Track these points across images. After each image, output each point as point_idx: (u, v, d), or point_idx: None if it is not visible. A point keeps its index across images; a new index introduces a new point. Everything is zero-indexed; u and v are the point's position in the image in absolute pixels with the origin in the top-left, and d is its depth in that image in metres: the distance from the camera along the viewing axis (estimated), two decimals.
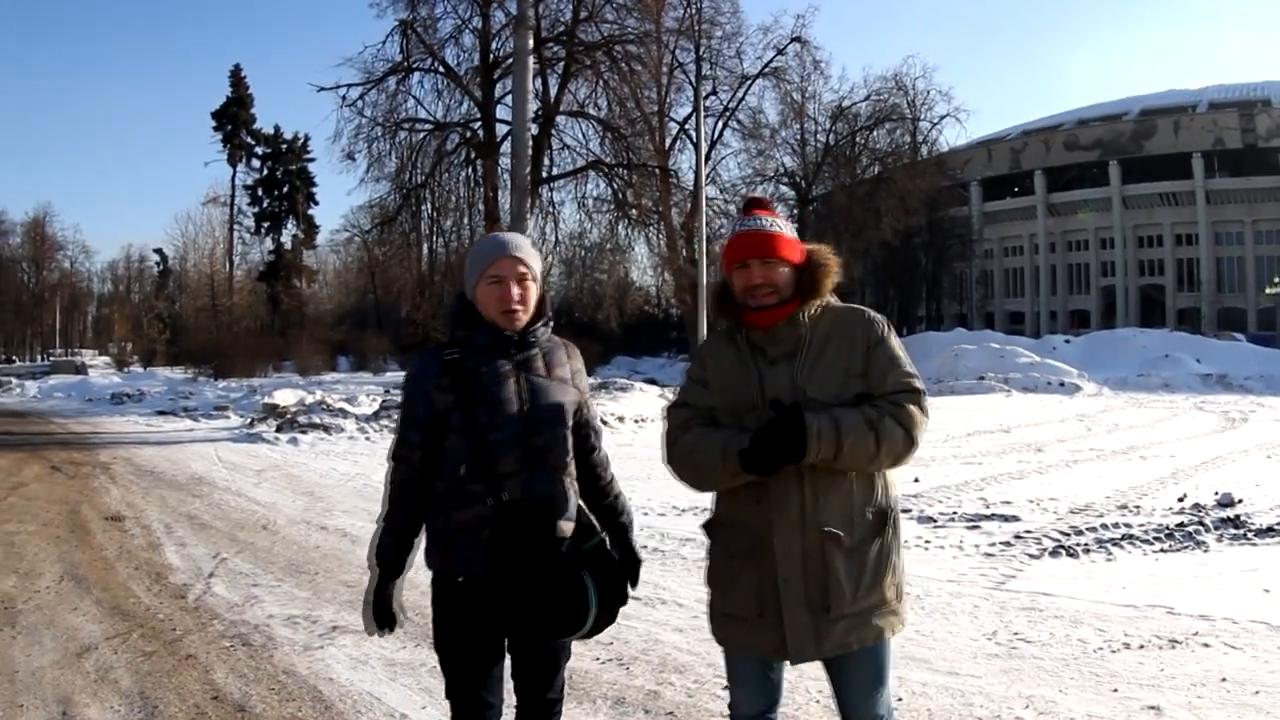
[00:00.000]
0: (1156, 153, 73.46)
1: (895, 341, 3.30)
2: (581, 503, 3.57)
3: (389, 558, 3.43)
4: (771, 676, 3.42)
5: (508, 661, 3.51)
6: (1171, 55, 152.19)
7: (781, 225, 3.33)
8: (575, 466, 3.57)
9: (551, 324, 3.56)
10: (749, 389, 3.26)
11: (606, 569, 3.43)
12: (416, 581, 3.53)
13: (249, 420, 22.74)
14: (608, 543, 3.55)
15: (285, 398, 24.34)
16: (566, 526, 3.43)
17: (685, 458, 3.32)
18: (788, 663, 3.34)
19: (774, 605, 3.19)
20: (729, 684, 3.53)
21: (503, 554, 3.24)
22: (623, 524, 3.72)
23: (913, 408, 3.18)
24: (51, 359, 69.76)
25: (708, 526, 3.47)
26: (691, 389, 3.46)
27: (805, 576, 3.16)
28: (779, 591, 3.18)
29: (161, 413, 26.28)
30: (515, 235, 3.57)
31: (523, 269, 3.40)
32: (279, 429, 20.72)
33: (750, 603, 3.24)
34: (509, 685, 3.54)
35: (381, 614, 3.41)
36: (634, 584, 3.64)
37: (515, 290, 3.37)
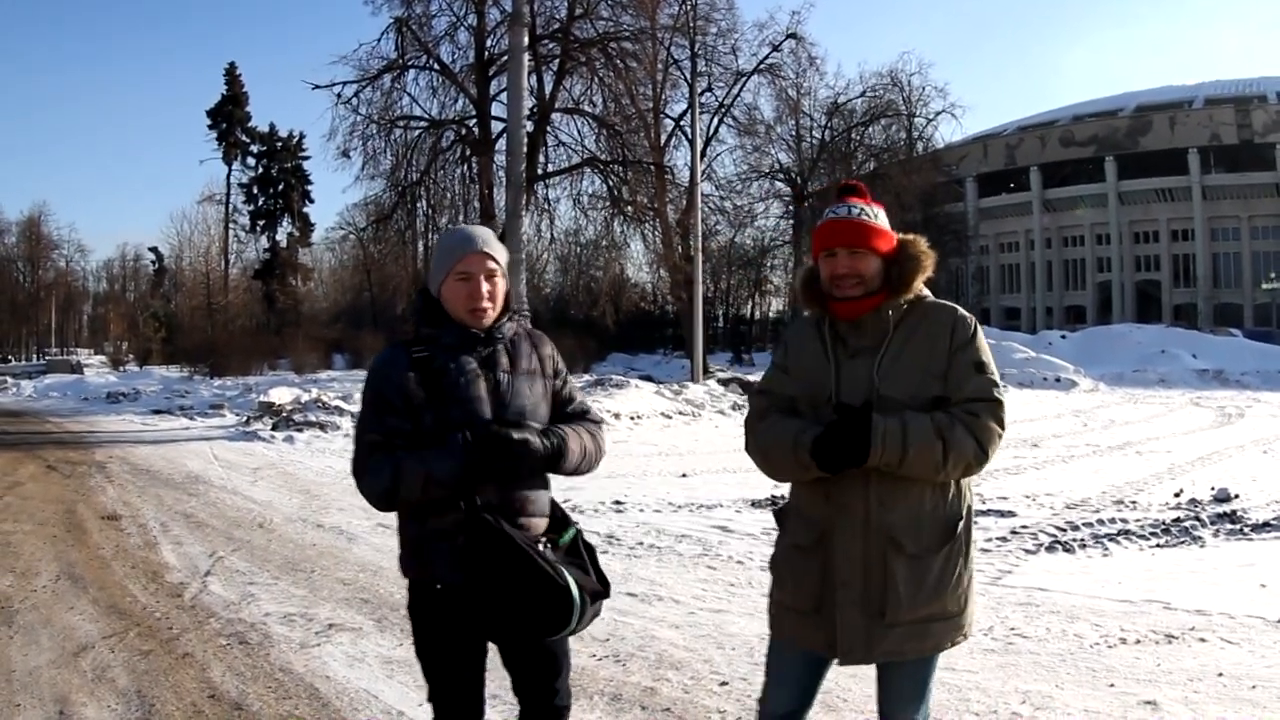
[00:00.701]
0: (1152, 149, 73.96)
1: (982, 345, 3.20)
2: (553, 497, 3.52)
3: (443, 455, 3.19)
4: (812, 678, 3.37)
5: (495, 662, 3.48)
6: (1168, 52, 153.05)
7: (874, 214, 3.25)
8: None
9: (516, 318, 3.49)
10: (826, 380, 3.20)
11: (585, 561, 3.39)
12: (405, 582, 3.49)
13: (245, 419, 22.72)
14: (583, 535, 3.50)
15: (281, 396, 24.31)
16: (541, 524, 3.39)
17: (759, 446, 3.30)
18: (834, 667, 3.34)
19: (830, 603, 3.17)
20: (766, 678, 3.47)
21: (481, 558, 3.17)
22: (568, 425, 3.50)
23: (989, 420, 3.09)
24: (47, 358, 69.77)
25: (779, 514, 3.45)
26: (774, 376, 3.42)
27: (865, 580, 3.12)
28: (835, 591, 3.16)
29: (157, 411, 26.24)
30: (482, 229, 3.47)
31: (492, 264, 3.34)
32: (275, 427, 20.70)
33: (809, 598, 3.23)
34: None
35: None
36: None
37: (485, 287, 3.32)
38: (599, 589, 3.35)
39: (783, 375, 3.36)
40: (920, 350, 3.16)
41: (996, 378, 3.18)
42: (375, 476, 3.23)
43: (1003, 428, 3.12)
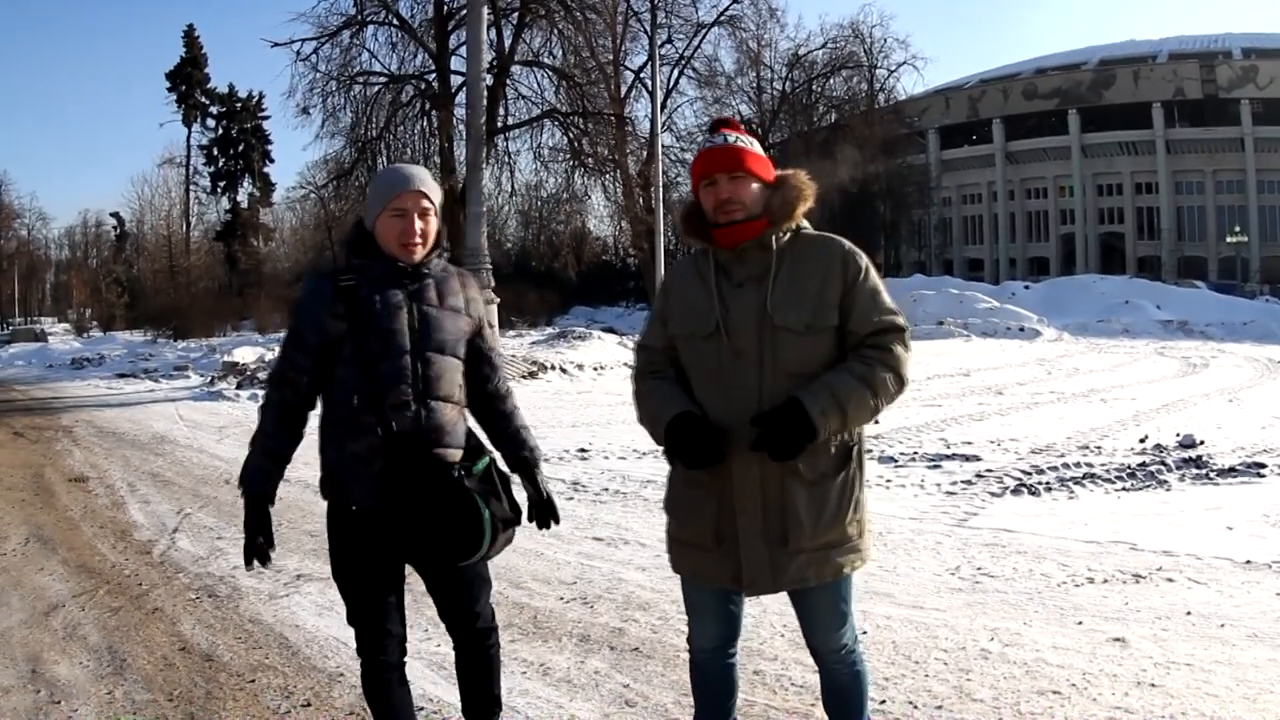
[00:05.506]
0: (1116, 102, 73.90)
1: (876, 276, 3.18)
2: (471, 425, 3.62)
3: (263, 483, 3.51)
4: (731, 608, 3.36)
5: (420, 591, 3.60)
6: (1133, 7, 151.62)
7: (749, 142, 3.22)
8: (472, 396, 3.64)
9: (446, 255, 3.58)
10: (711, 313, 3.15)
11: (498, 489, 3.46)
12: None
13: (209, 379, 22.65)
14: (498, 462, 3.57)
15: (244, 355, 24.28)
16: (456, 454, 3.47)
17: (638, 411, 3.33)
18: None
19: (732, 535, 3.13)
20: (687, 614, 3.47)
21: (396, 483, 3.29)
22: (526, 459, 3.71)
23: (898, 348, 3.09)
24: (11, 327, 68.79)
25: (668, 453, 3.34)
26: (652, 327, 3.42)
27: (764, 507, 3.09)
28: (736, 521, 3.13)
29: (122, 375, 26.07)
30: (418, 168, 3.56)
31: (426, 203, 3.43)
32: (239, 386, 20.70)
33: (708, 531, 3.18)
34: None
35: (257, 546, 3.44)
36: (555, 520, 3.69)
37: (418, 224, 3.40)
38: (511, 516, 3.45)
39: (660, 325, 3.37)
40: (812, 279, 3.13)
41: (894, 305, 3.18)
42: (271, 410, 3.58)
43: (909, 350, 3.13)
